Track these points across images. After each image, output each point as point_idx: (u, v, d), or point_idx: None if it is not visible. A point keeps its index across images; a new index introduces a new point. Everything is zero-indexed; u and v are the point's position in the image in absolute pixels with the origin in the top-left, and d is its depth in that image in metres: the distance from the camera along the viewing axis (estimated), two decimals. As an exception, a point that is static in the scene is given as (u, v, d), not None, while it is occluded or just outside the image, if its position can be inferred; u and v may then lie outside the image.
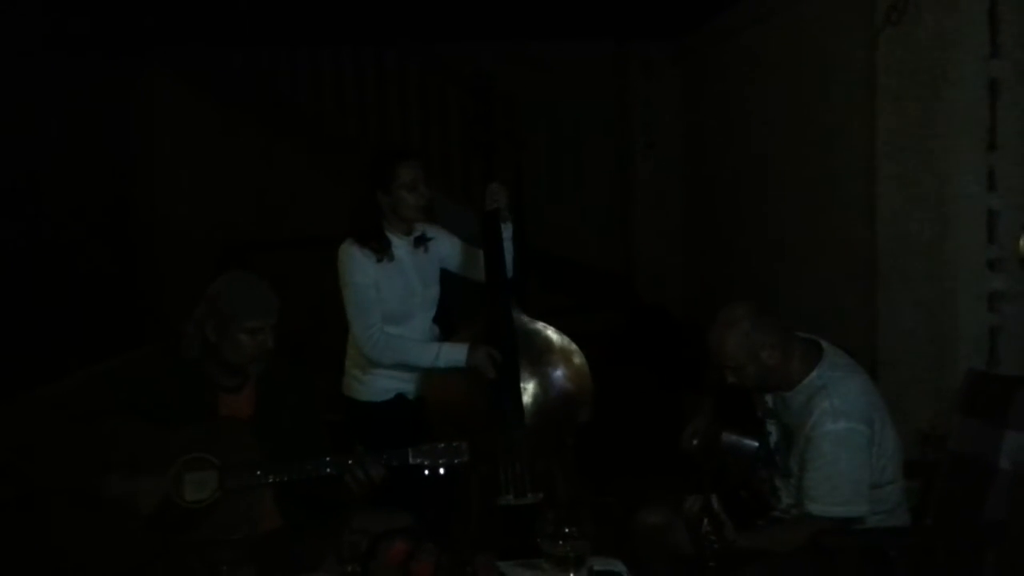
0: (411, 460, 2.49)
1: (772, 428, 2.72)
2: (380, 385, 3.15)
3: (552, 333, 3.19)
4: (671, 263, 7.46)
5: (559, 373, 3.15)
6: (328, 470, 2.47)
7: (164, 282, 6.40)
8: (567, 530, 2.33)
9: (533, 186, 6.70)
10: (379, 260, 3.05)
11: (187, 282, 3.40)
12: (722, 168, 6.60)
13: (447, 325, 3.31)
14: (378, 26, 6.21)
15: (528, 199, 6.51)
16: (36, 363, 3.93)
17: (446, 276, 3.28)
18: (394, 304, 3.09)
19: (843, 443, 2.49)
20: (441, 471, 2.49)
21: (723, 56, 6.52)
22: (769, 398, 2.71)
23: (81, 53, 5.89)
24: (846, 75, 4.43)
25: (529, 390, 3.11)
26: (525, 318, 3.17)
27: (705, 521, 2.40)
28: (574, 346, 3.18)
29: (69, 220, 6.00)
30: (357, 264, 3.04)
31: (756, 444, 2.76)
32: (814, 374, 2.58)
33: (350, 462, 2.47)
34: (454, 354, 3.06)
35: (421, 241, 3.16)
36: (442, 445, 2.50)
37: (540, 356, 3.15)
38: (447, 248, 3.24)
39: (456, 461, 2.49)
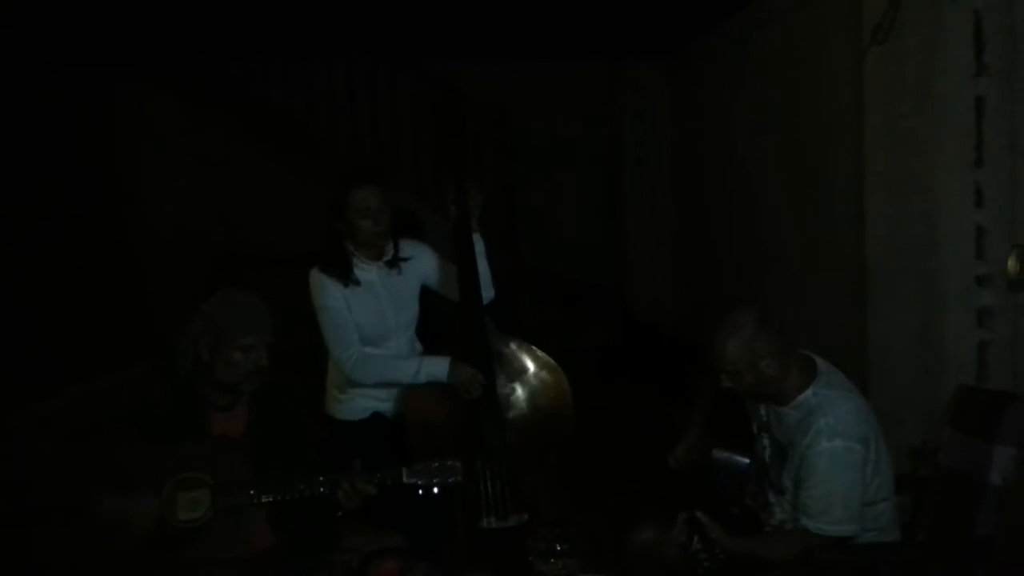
0: (405, 479, 2.49)
1: (766, 442, 2.72)
2: (357, 404, 3.14)
3: (529, 351, 3.17)
4: (663, 278, 7.49)
5: (538, 391, 3.13)
6: (322, 489, 2.47)
7: (155, 297, 6.39)
8: (559, 547, 2.34)
9: (526, 202, 6.73)
10: (345, 285, 3.03)
11: (178, 297, 3.41)
12: (713, 184, 6.63)
13: (434, 341, 3.30)
14: (373, 41, 6.24)
15: (521, 215, 6.55)
16: (26, 379, 3.92)
17: (432, 293, 3.26)
18: (367, 327, 3.07)
19: (838, 462, 2.49)
20: (435, 490, 2.49)
21: (713, 73, 6.57)
22: (763, 411, 2.72)
23: (71, 65, 5.89)
24: (833, 93, 4.47)
25: (508, 409, 3.09)
26: (502, 336, 3.15)
27: (695, 539, 2.40)
28: (553, 363, 3.16)
29: (59, 234, 5.99)
30: (326, 289, 3.02)
31: (747, 461, 2.76)
32: (810, 391, 2.58)
33: (344, 482, 2.47)
34: (435, 368, 3.03)
35: (394, 263, 3.12)
36: (436, 464, 2.50)
37: (518, 375, 3.14)
38: (428, 267, 3.20)
39: (450, 480, 2.50)
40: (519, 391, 3.14)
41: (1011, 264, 3.27)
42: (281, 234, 6.50)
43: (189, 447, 2.47)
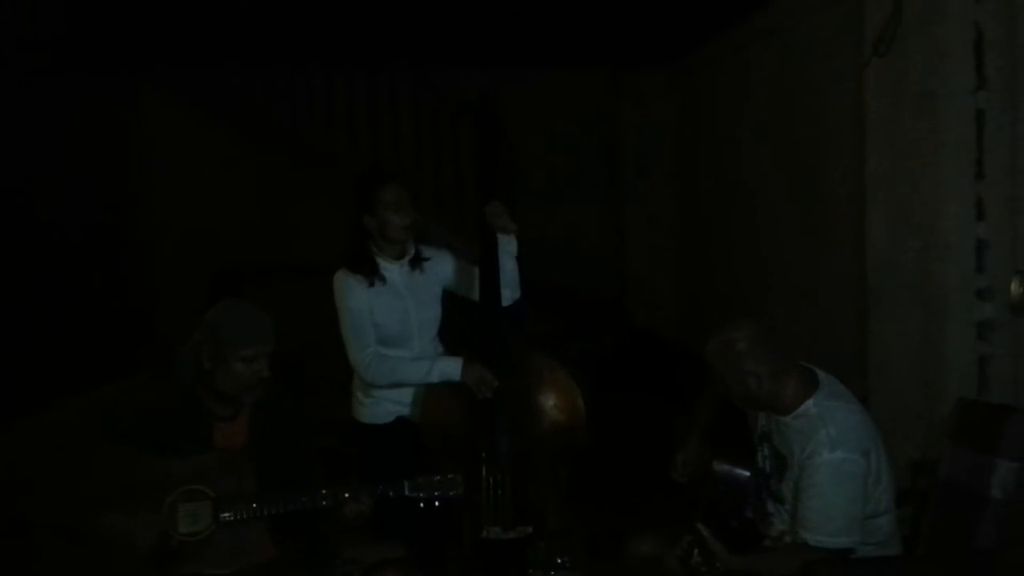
0: (407, 492, 2.51)
1: (766, 451, 2.72)
2: (381, 408, 3.19)
3: (546, 362, 3.19)
4: (664, 288, 7.49)
5: (552, 404, 3.15)
6: (324, 502, 2.48)
7: (158, 306, 6.39)
8: (559, 560, 2.34)
9: (526, 212, 6.71)
10: (370, 285, 3.08)
11: (181, 307, 3.41)
12: (714, 194, 6.64)
13: (454, 344, 3.33)
14: (373, 51, 6.25)
15: (521, 225, 6.54)
16: (27, 389, 3.92)
17: (446, 297, 3.30)
18: (390, 327, 3.11)
19: (838, 473, 2.48)
20: (436, 503, 2.50)
21: (714, 83, 6.58)
22: (763, 420, 2.72)
23: (77, 74, 5.91)
24: (835, 104, 4.47)
25: (522, 420, 3.10)
26: (521, 348, 3.17)
27: (695, 552, 2.39)
28: (569, 377, 3.17)
29: (61, 244, 5.99)
30: (349, 290, 3.07)
31: (748, 474, 2.76)
32: (810, 402, 2.58)
33: (346, 494, 2.47)
34: (448, 367, 3.08)
35: (417, 263, 3.17)
36: (437, 477, 2.53)
37: (534, 386, 3.15)
38: (448, 269, 3.25)
39: (451, 493, 2.51)
40: (534, 403, 3.14)
41: (1014, 288, 3.26)
42: (284, 245, 6.52)
43: (191, 460, 2.48)
